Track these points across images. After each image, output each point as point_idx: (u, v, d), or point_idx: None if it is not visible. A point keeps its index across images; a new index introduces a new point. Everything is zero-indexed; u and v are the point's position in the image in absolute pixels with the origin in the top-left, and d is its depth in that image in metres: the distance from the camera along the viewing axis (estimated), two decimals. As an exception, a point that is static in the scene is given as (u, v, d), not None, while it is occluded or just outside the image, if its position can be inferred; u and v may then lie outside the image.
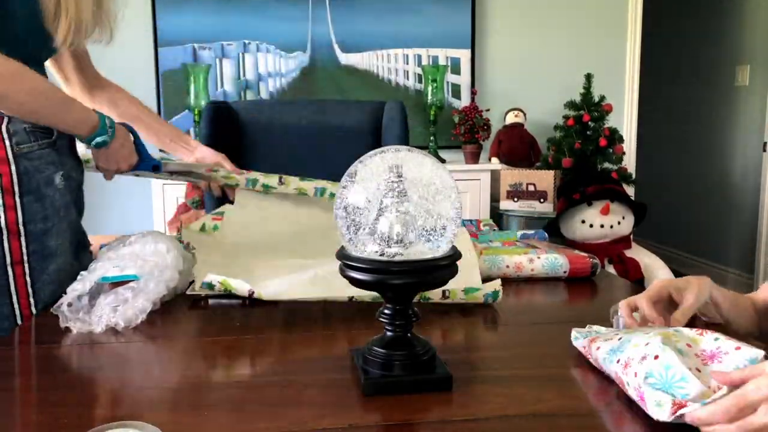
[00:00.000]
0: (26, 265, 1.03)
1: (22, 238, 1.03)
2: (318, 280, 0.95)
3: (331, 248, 1.20)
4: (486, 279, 1.16)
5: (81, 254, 1.22)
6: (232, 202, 1.36)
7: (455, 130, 3.16)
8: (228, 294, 1.00)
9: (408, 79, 3.30)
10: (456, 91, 3.33)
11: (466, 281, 0.99)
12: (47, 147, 1.08)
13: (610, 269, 2.79)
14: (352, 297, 0.94)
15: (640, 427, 0.62)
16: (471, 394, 0.69)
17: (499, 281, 1.02)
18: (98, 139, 1.11)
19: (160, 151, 1.44)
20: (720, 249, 4.02)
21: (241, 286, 0.91)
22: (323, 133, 1.79)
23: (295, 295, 0.90)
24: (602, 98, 3.07)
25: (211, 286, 0.91)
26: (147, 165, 1.24)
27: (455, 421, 0.63)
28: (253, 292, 0.89)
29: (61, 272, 1.07)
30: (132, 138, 1.22)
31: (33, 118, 1.05)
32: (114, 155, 1.17)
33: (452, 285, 0.95)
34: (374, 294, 0.92)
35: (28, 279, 1.03)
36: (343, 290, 0.92)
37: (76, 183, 1.20)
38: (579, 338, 0.79)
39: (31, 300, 1.04)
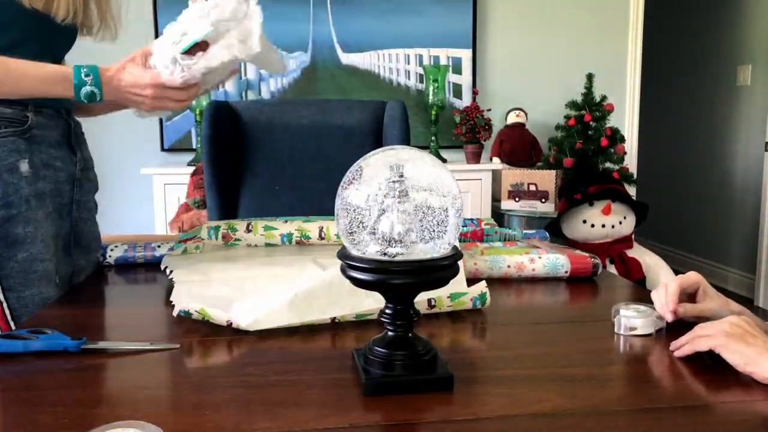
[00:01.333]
0: None
1: None
2: (297, 303, 0.91)
3: (309, 259, 1.20)
4: (487, 279, 1.16)
5: (76, 251, 1.21)
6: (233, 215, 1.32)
7: (456, 130, 3.16)
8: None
9: (409, 79, 3.30)
10: (457, 91, 3.33)
11: (451, 286, 0.96)
12: (12, 135, 1.06)
13: (612, 269, 2.79)
14: (335, 318, 0.91)
15: (643, 427, 0.62)
16: (472, 394, 0.69)
17: (484, 283, 0.99)
18: (83, 92, 1.02)
19: None
20: (721, 249, 4.01)
21: (219, 316, 0.88)
22: (324, 132, 1.79)
23: (273, 324, 0.88)
24: (603, 98, 3.06)
25: (188, 314, 0.90)
26: None
27: (456, 421, 0.63)
28: (231, 323, 0.88)
29: (35, 261, 1.06)
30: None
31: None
32: (133, 96, 1.05)
33: (437, 292, 0.93)
34: (357, 311, 0.91)
35: None
36: (323, 311, 0.91)
37: (66, 175, 1.18)
38: None
39: None
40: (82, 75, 1.02)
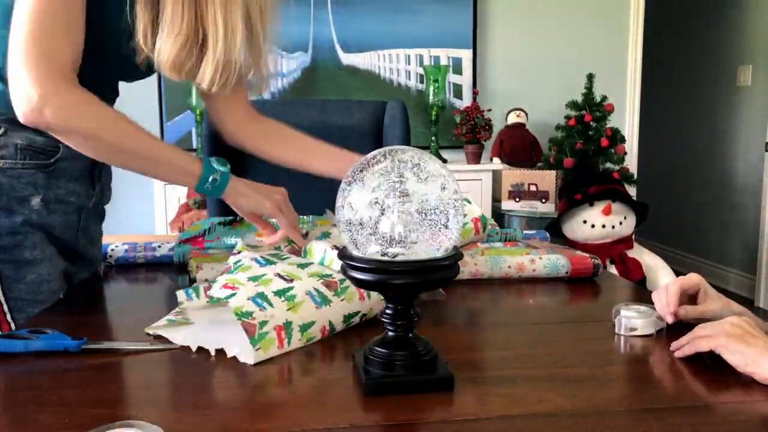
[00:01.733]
0: None
1: None
2: (295, 333, 0.83)
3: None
4: (487, 280, 1.16)
5: (79, 270, 1.19)
6: None
7: (457, 130, 3.16)
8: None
9: (409, 79, 3.30)
10: (457, 91, 3.33)
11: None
12: (33, 168, 1.03)
13: (612, 270, 2.78)
14: (333, 330, 0.86)
15: (643, 427, 0.62)
16: (472, 395, 0.69)
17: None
18: (203, 188, 1.01)
19: None
20: (722, 249, 4.01)
21: (229, 351, 0.80)
22: (324, 133, 1.78)
23: (277, 353, 0.79)
24: (604, 98, 3.07)
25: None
26: None
27: (456, 421, 0.63)
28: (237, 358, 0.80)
29: (43, 283, 1.05)
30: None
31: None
32: (253, 212, 1.10)
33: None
34: (347, 312, 0.88)
35: None
36: (319, 329, 0.85)
37: (74, 208, 1.13)
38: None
39: (5, 307, 1.02)
40: (208, 179, 1.01)
